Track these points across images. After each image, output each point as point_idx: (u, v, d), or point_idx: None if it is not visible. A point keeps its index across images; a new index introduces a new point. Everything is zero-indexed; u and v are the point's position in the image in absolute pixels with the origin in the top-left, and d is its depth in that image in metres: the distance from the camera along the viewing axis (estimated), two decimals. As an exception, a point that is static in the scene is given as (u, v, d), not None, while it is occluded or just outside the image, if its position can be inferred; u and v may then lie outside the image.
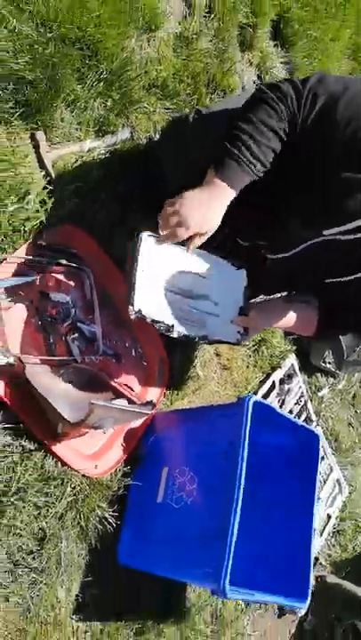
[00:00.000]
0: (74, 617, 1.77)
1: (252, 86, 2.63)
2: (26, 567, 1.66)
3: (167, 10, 2.25)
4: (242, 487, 1.63)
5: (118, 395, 1.80)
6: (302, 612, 2.71)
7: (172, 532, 1.79)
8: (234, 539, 1.59)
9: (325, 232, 1.63)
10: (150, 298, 1.77)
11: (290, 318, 1.97)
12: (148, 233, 1.74)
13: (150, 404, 1.74)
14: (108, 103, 1.99)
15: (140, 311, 1.72)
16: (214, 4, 2.45)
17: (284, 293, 2.10)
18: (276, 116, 1.51)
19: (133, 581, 1.91)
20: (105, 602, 1.85)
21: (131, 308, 1.71)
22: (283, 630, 2.68)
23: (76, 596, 1.78)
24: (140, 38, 2.13)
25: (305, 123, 1.52)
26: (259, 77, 2.72)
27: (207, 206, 1.54)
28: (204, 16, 2.42)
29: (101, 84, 1.95)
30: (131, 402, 1.78)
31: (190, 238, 1.58)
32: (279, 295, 2.12)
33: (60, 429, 1.68)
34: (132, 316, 1.72)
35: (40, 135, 1.82)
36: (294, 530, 1.93)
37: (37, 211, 1.74)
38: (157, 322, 1.78)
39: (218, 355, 2.41)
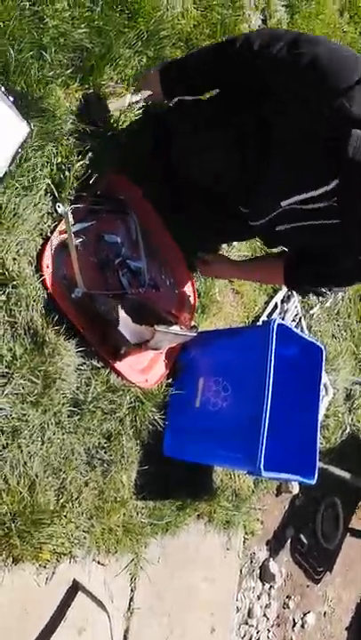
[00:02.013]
0: (133, 497, 2.22)
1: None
2: (99, 459, 2.08)
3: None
4: (270, 391, 2.05)
5: (163, 320, 2.17)
6: (295, 491, 3.26)
7: (211, 428, 2.22)
8: (266, 430, 2.02)
9: (283, 203, 1.87)
10: None
11: (250, 273, 2.45)
12: None
13: (195, 328, 2.12)
14: (144, 60, 2.22)
15: None
16: None
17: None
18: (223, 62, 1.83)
19: (175, 470, 2.35)
20: (155, 485, 2.29)
21: None
22: (280, 506, 3.23)
23: (135, 480, 2.22)
24: (167, -5, 2.33)
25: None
26: (263, 22, 2.93)
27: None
28: (218, -34, 2.59)
29: (139, 43, 2.17)
30: (173, 323, 2.15)
31: None
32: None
33: (124, 350, 2.05)
34: None
35: (92, 94, 2.06)
36: (304, 423, 2.38)
37: (95, 166, 2.01)
38: None
39: (231, 281, 2.77)
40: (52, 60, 1.84)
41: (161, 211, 2.28)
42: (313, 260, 2.09)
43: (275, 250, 2.58)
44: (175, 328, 2.04)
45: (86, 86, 2.04)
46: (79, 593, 2.01)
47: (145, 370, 2.24)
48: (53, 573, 1.95)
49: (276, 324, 2.13)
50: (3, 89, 1.76)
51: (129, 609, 2.23)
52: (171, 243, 2.34)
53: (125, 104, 2.20)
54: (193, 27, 2.46)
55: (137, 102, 2.23)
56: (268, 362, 2.07)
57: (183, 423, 2.29)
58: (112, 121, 2.14)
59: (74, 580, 2.01)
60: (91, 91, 2.06)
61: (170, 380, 2.30)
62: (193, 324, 2.25)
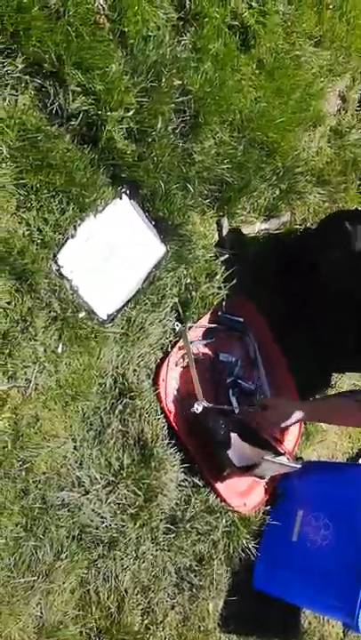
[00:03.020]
0: (218, 628, 2.11)
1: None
2: (188, 583, 2.01)
3: (327, 109, 2.57)
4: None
5: (269, 446, 2.13)
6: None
7: (307, 568, 2.10)
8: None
9: None
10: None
11: (320, 413, 2.17)
12: None
13: (300, 459, 2.07)
14: (277, 192, 2.33)
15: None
16: (365, 98, 2.76)
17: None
18: None
19: (263, 604, 2.23)
20: (240, 618, 2.18)
21: None
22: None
23: (221, 610, 2.12)
24: (305, 134, 2.47)
25: None
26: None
27: None
28: (356, 109, 2.74)
29: (274, 177, 2.29)
30: (280, 453, 2.11)
31: None
32: None
33: (227, 472, 2.03)
34: None
35: (224, 221, 2.18)
36: None
37: (220, 288, 2.10)
38: None
39: (338, 409, 2.71)
40: (195, 191, 1.97)
41: (280, 334, 2.31)
42: None
43: None
44: (282, 459, 2.00)
45: (220, 213, 2.17)
46: None
47: (244, 493, 2.19)
48: None
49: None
50: (146, 214, 1.91)
51: None
52: (283, 368, 2.34)
53: (255, 230, 2.31)
54: (326, 163, 2.57)
55: (266, 229, 2.34)
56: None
57: (277, 556, 2.19)
58: (240, 246, 2.23)
59: None
60: (224, 218, 2.18)
61: (268, 507, 2.23)
62: (298, 455, 2.20)
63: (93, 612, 1.74)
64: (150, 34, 1.81)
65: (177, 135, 1.93)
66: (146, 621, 1.89)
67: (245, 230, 2.27)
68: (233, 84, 2.09)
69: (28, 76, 1.57)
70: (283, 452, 2.06)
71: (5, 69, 1.52)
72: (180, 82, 1.88)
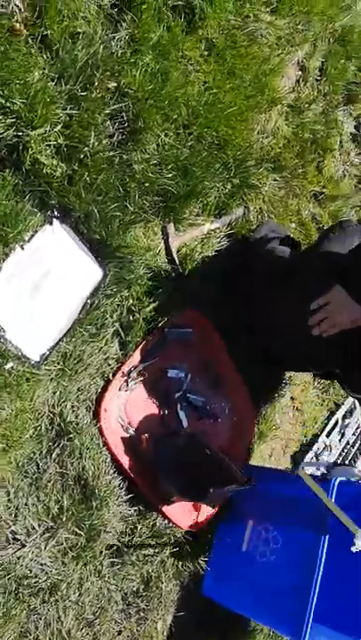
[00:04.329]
0: (166, 643, 2.12)
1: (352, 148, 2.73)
2: (135, 607, 1.99)
3: (285, 84, 2.33)
4: (324, 557, 1.91)
5: (217, 457, 2.05)
6: None
7: (255, 580, 2.08)
8: (315, 600, 1.88)
9: None
10: None
11: None
12: None
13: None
14: (228, 187, 2.13)
15: None
16: (327, 65, 2.51)
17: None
18: None
19: (215, 616, 2.23)
20: (191, 633, 2.18)
21: None
22: None
23: (170, 627, 2.12)
24: (260, 116, 2.23)
25: None
26: (356, 128, 2.80)
27: None
28: (316, 79, 2.49)
29: (225, 172, 2.08)
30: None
31: None
32: None
33: (174, 499, 1.96)
34: None
35: (170, 227, 1.99)
36: None
37: (166, 304, 1.94)
38: None
39: (293, 398, 2.65)
40: (135, 206, 1.77)
41: (228, 340, 2.19)
42: None
43: None
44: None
45: (167, 219, 1.97)
46: None
47: (192, 509, 2.13)
48: None
49: (337, 482, 2.00)
50: (80, 237, 1.71)
51: None
52: (233, 371, 2.24)
53: (204, 232, 2.12)
54: (282, 146, 2.35)
55: (215, 230, 2.15)
56: (325, 528, 1.93)
57: (227, 565, 2.17)
58: (188, 253, 2.06)
59: None
60: (170, 224, 1.98)
61: (217, 516, 2.19)
62: (248, 477, 2.11)
63: (33, 665, 1.70)
64: (79, 30, 1.54)
65: (113, 145, 1.70)
66: (92, 653, 1.87)
67: (194, 233, 2.08)
68: (178, 74, 1.83)
69: None
70: (227, 462, 1.96)
71: None
72: (116, 83, 1.64)
